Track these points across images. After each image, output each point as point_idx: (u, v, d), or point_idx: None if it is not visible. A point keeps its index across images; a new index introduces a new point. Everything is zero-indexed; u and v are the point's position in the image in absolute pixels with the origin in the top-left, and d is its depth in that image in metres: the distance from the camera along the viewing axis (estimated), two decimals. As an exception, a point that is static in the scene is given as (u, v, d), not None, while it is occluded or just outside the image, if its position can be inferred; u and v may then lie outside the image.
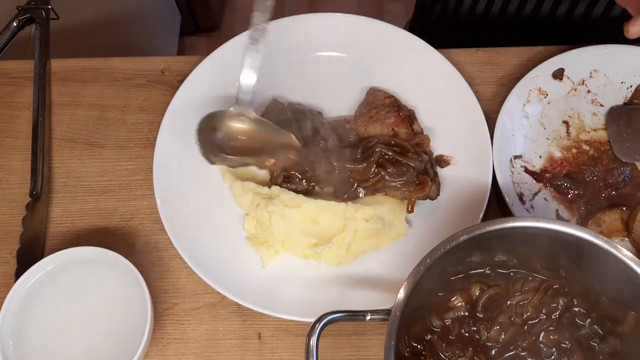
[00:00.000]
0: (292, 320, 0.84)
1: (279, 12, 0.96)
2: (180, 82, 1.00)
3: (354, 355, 0.85)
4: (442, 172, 0.93)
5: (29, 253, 0.90)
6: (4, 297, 0.81)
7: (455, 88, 0.96)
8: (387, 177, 0.88)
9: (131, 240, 0.92)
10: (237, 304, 0.87)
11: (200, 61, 0.99)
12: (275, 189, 0.89)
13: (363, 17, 1.01)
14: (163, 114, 0.99)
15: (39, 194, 0.94)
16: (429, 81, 0.97)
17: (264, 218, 0.88)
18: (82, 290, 0.85)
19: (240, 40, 1.00)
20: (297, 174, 0.90)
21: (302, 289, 0.87)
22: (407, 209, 0.89)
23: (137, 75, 1.04)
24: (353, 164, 0.89)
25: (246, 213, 0.92)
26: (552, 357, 0.78)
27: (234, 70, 0.99)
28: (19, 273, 0.87)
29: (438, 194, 0.90)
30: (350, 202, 0.88)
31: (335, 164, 0.89)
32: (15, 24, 1.05)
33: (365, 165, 0.88)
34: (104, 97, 1.02)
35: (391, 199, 0.89)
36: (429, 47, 0.98)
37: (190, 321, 0.87)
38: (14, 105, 1.02)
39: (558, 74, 0.97)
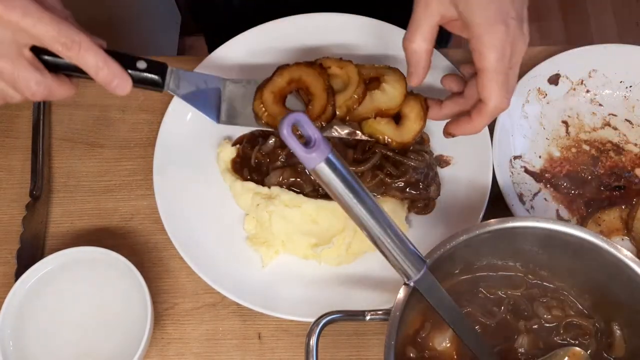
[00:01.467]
0: (292, 320, 0.84)
1: (279, 11, 0.96)
2: (180, 82, 1.00)
3: (354, 355, 0.85)
4: (442, 172, 0.93)
5: (29, 253, 0.90)
6: (4, 297, 0.81)
7: None
8: (387, 180, 0.88)
9: (131, 240, 0.92)
10: (237, 304, 0.87)
11: (200, 61, 0.99)
12: (275, 189, 0.89)
13: (363, 17, 1.00)
14: (163, 114, 0.98)
15: (39, 194, 0.94)
16: (429, 81, 0.97)
17: (264, 218, 0.88)
18: (82, 291, 0.85)
19: (238, 40, 1.00)
20: (301, 180, 0.89)
21: (302, 288, 0.87)
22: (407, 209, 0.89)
23: (137, 75, 1.03)
24: (354, 166, 0.89)
25: (246, 213, 0.91)
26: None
27: (233, 70, 0.99)
28: (19, 273, 0.87)
29: (438, 194, 0.90)
30: None
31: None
32: (15, 24, 1.05)
33: (366, 167, 0.88)
34: (104, 97, 1.02)
35: (391, 198, 0.89)
36: None
37: (190, 321, 0.87)
38: (14, 105, 1.01)
39: (554, 79, 0.97)
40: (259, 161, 0.92)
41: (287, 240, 0.88)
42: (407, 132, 0.85)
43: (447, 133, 0.81)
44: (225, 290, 0.84)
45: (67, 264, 0.85)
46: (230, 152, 0.94)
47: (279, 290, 0.87)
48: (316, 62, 0.85)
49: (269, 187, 0.90)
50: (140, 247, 0.92)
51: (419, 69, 0.79)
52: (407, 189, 0.88)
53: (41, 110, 0.99)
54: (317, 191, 0.90)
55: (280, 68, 0.85)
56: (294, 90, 0.85)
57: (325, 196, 0.89)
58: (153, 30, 2.09)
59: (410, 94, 0.86)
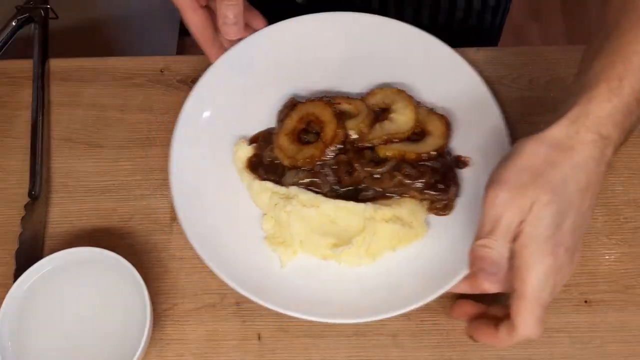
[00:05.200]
0: (294, 319, 0.83)
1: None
2: (180, 81, 1.00)
3: (354, 356, 0.85)
4: (461, 174, 0.91)
5: (28, 253, 0.90)
6: (3, 298, 0.81)
7: (472, 88, 0.94)
8: (406, 181, 0.87)
9: (130, 240, 0.92)
10: (237, 305, 0.87)
11: (199, 60, 0.99)
12: (293, 188, 0.88)
13: (381, 17, 0.99)
14: (162, 114, 0.99)
15: (38, 194, 0.93)
16: (444, 80, 0.96)
17: (282, 218, 0.87)
18: (81, 291, 0.84)
19: (257, 38, 0.97)
20: (318, 179, 0.89)
21: (322, 289, 0.86)
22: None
23: (136, 75, 1.03)
24: (371, 167, 0.88)
25: (264, 212, 0.91)
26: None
27: (253, 69, 0.97)
28: (17, 274, 0.86)
29: (458, 196, 0.89)
30: (369, 202, 0.87)
31: (356, 165, 0.89)
32: (14, 23, 1.05)
33: (384, 168, 0.88)
34: (102, 97, 1.02)
35: (410, 199, 0.88)
36: (445, 46, 0.97)
37: (190, 322, 0.87)
38: (13, 105, 1.02)
39: None
40: (273, 161, 0.91)
41: (305, 240, 0.87)
42: (428, 146, 0.90)
43: (470, 337, 0.80)
44: (248, 291, 0.83)
45: (66, 265, 0.84)
46: (246, 151, 0.93)
47: (300, 291, 0.85)
48: (323, 99, 0.93)
49: (287, 187, 0.89)
50: (139, 247, 0.91)
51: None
52: (427, 190, 0.88)
53: (40, 110, 0.99)
54: (334, 191, 0.89)
55: (289, 109, 0.92)
56: (305, 125, 0.92)
57: (343, 196, 0.88)
58: (153, 30, 2.09)
59: (433, 113, 0.92)
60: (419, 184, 0.87)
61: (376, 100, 0.93)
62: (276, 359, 0.85)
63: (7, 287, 0.82)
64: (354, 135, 0.90)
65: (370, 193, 0.90)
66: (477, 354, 0.83)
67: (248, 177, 0.92)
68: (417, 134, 0.91)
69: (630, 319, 0.85)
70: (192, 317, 0.87)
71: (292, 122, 0.92)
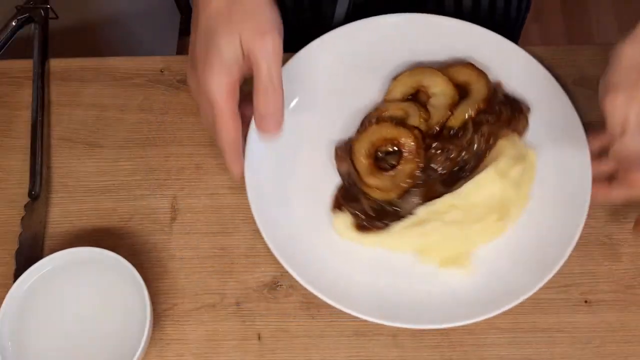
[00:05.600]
0: (295, 321, 0.83)
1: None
2: (180, 81, 1.00)
3: (354, 356, 0.85)
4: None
5: (28, 253, 0.90)
6: (3, 298, 0.81)
7: (475, 38, 0.95)
8: (492, 129, 0.87)
9: (130, 240, 0.92)
10: (237, 305, 0.87)
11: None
12: (421, 210, 0.84)
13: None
14: (162, 114, 0.99)
15: (38, 194, 0.93)
16: (440, 39, 0.96)
17: (435, 240, 0.84)
18: (81, 291, 0.84)
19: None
20: (431, 186, 0.87)
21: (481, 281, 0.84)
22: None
23: (136, 75, 1.03)
24: (461, 138, 0.87)
25: (419, 251, 0.86)
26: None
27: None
28: (17, 274, 0.86)
29: (530, 110, 0.92)
30: (482, 170, 0.86)
31: (450, 147, 0.87)
32: (14, 23, 1.05)
33: (470, 133, 0.87)
34: (102, 97, 1.02)
35: (503, 140, 0.88)
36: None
37: (190, 322, 0.87)
38: (13, 105, 1.02)
39: None
40: (375, 207, 0.86)
41: (470, 238, 0.85)
42: (481, 89, 0.89)
43: None
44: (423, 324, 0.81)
45: (66, 265, 0.84)
46: (347, 221, 0.87)
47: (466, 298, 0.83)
48: (371, 123, 0.89)
49: (412, 213, 0.85)
50: (139, 247, 0.91)
51: None
52: (511, 122, 0.89)
53: (40, 110, 0.99)
54: (445, 183, 0.87)
55: (347, 155, 0.88)
56: (375, 155, 0.88)
57: (453, 181, 0.86)
58: (153, 30, 2.09)
59: (453, 65, 0.92)
60: (503, 124, 0.88)
61: (402, 91, 0.91)
62: (276, 359, 0.85)
63: (7, 287, 0.82)
64: (423, 129, 0.87)
65: (471, 163, 0.87)
66: (477, 354, 0.84)
67: (374, 238, 0.85)
68: (459, 89, 0.90)
69: (630, 319, 0.85)
70: (192, 317, 0.87)
71: (362, 161, 0.86)
